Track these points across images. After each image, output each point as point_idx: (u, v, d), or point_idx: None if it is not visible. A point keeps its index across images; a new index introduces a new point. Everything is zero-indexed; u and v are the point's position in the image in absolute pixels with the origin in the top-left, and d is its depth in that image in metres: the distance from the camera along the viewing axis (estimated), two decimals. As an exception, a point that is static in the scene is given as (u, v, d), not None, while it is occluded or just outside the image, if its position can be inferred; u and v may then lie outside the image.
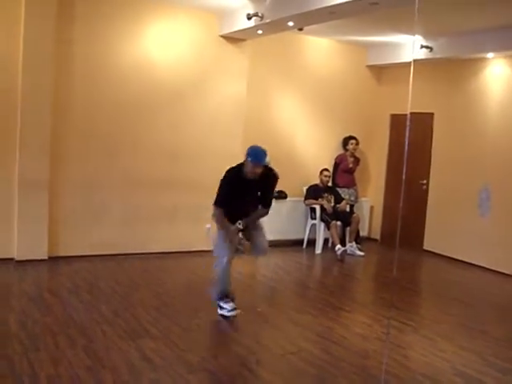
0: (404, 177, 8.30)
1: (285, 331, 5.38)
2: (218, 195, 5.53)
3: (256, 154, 5.41)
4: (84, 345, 4.64)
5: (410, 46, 8.78)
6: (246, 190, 5.51)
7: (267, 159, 5.49)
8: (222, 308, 5.66)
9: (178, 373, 4.27)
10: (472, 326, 5.86)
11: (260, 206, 5.71)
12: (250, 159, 5.39)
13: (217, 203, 5.54)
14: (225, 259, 5.51)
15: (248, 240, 5.72)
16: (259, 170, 5.41)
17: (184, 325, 5.29)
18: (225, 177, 5.55)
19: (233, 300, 5.70)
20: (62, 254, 7.28)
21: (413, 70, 9.29)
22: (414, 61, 8.96)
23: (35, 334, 4.80)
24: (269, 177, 5.64)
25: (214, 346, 5.00)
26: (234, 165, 5.62)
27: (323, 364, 4.69)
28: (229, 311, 5.61)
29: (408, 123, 8.38)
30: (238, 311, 5.63)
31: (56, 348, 4.55)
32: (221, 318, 5.57)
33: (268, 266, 7.86)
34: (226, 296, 5.66)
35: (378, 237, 10.22)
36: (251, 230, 5.69)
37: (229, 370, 4.52)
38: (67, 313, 5.40)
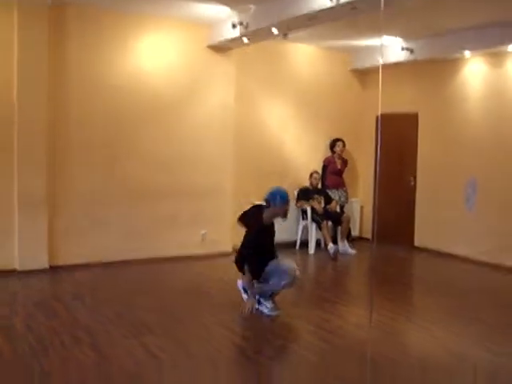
0: (378, 175, 8.73)
1: (284, 324, 5.57)
2: (248, 246, 5.65)
3: (282, 193, 5.70)
4: (90, 343, 4.81)
5: (392, 48, 9.03)
6: (267, 237, 5.76)
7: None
8: (260, 304, 5.79)
9: (182, 365, 4.46)
10: (465, 313, 6.04)
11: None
12: (279, 201, 5.63)
13: (247, 257, 5.66)
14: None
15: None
16: (289, 208, 5.73)
17: (186, 323, 5.47)
18: (252, 225, 5.69)
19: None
20: (62, 263, 7.42)
21: (395, 72, 9.68)
22: (396, 64, 9.25)
23: (42, 336, 4.95)
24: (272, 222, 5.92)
25: (215, 339, 5.15)
26: (249, 207, 5.92)
27: (322, 352, 4.89)
28: (270, 310, 5.73)
29: (379, 125, 8.88)
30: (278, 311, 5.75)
31: (63, 347, 4.72)
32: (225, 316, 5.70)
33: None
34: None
35: (369, 236, 10.39)
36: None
37: (231, 359, 4.73)
38: (71, 316, 5.57)
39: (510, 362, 4.72)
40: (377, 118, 9.48)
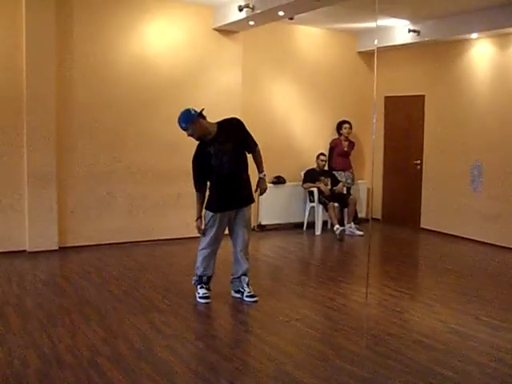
0: (373, 157, 8.74)
1: (288, 302, 5.65)
2: (193, 178, 5.54)
3: (179, 119, 5.37)
4: (98, 320, 4.93)
5: (398, 30, 9.03)
6: (219, 153, 5.41)
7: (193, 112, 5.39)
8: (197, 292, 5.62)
9: (187, 339, 4.56)
10: (467, 292, 6.11)
11: (251, 155, 5.70)
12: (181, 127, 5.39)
13: (195, 186, 5.55)
14: (205, 251, 5.62)
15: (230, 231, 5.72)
16: (190, 132, 5.38)
17: (190, 300, 5.57)
18: (192, 161, 5.54)
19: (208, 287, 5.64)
20: (71, 244, 7.57)
21: (402, 54, 9.73)
22: (403, 45, 9.30)
23: (52, 313, 5.10)
24: (231, 124, 5.63)
25: (220, 316, 5.27)
26: None
27: (325, 329, 5.00)
28: (200, 297, 5.55)
29: (374, 106, 8.95)
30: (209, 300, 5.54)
31: (72, 324, 4.85)
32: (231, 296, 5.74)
33: (270, 247, 8.19)
34: (202, 282, 5.62)
35: (376, 217, 10.43)
36: (236, 223, 5.63)
37: (235, 335, 4.82)
38: (80, 294, 5.70)
39: (508, 335, 4.80)
40: (374, 100, 9.56)
